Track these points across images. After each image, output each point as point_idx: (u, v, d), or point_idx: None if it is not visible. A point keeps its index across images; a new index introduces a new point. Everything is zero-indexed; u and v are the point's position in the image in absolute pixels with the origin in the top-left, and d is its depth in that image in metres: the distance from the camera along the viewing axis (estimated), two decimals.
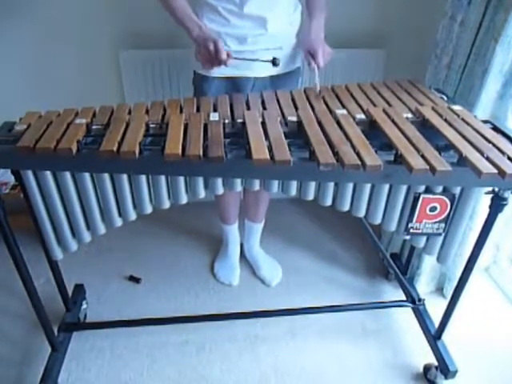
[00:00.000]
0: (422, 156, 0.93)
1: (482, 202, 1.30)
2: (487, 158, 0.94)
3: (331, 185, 1.06)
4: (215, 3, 1.28)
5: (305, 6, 1.40)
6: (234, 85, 1.38)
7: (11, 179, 1.08)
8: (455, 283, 1.33)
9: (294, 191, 1.08)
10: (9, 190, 1.75)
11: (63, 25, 1.69)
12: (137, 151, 0.95)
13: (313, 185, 1.06)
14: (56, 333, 1.43)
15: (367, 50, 1.83)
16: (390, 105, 1.21)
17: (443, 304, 1.40)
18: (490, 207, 1.14)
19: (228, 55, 1.18)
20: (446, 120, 1.09)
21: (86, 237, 1.16)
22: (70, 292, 1.57)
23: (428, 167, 0.90)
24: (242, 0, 1.25)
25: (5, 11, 1.64)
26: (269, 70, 1.37)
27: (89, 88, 1.80)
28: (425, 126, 1.09)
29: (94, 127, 1.07)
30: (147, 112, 1.15)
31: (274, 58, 1.23)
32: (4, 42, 1.70)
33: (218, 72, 1.34)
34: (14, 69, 1.77)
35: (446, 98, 1.27)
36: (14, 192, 1.73)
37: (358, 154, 0.94)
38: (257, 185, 1.07)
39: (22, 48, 1.73)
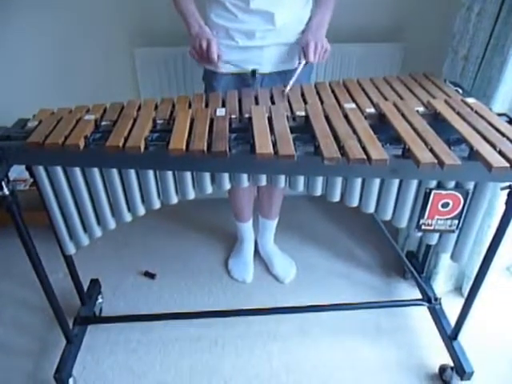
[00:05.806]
0: (431, 150, 0.91)
1: (500, 198, 1.25)
2: (499, 152, 0.90)
3: (339, 180, 1.04)
4: None
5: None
6: (243, 81, 1.37)
7: None
8: None
9: (301, 187, 1.07)
10: (29, 187, 1.80)
11: (79, 23, 1.72)
12: (142, 146, 0.96)
13: (320, 180, 1.05)
14: (71, 326, 1.46)
15: (384, 43, 1.79)
16: (402, 98, 1.18)
17: (461, 303, 1.36)
18: (506, 203, 1.10)
19: (218, 57, 1.23)
20: (458, 113, 1.06)
21: (97, 232, 1.19)
22: (86, 286, 1.60)
23: (436, 161, 0.88)
24: None
25: (22, 10, 1.68)
26: (278, 66, 1.36)
27: (104, 85, 1.83)
28: (436, 120, 1.06)
29: (103, 123, 1.08)
30: (156, 108, 1.16)
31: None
32: (21, 40, 1.75)
33: (226, 68, 1.34)
34: (30, 66, 1.81)
35: (461, 91, 1.23)
36: (34, 188, 1.77)
37: (363, 148, 0.92)
38: (263, 180, 1.06)
39: (38, 46, 1.76)
